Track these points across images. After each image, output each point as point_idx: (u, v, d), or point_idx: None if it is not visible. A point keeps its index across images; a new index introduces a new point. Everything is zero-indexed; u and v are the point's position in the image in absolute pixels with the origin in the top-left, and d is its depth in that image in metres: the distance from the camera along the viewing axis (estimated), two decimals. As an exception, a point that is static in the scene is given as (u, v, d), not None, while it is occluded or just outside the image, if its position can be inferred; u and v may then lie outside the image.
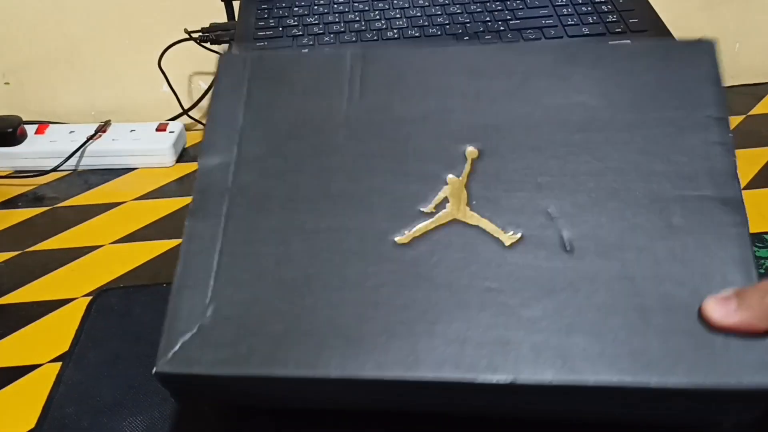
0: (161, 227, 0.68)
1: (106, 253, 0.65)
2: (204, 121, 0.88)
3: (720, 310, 0.34)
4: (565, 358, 0.32)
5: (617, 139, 0.39)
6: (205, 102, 0.88)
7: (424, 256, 0.37)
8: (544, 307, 0.35)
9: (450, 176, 0.40)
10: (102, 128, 0.81)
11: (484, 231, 0.38)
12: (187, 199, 0.72)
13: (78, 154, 0.77)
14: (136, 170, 0.78)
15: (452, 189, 0.39)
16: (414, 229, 0.38)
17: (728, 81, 0.89)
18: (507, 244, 0.37)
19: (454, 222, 0.38)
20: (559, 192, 0.39)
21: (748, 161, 0.73)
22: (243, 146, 0.42)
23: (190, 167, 0.78)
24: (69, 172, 0.78)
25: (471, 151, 0.40)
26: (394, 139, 0.41)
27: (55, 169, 0.76)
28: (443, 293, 0.36)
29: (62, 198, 0.74)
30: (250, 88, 0.44)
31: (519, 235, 0.37)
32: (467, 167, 0.40)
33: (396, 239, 0.38)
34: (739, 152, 0.74)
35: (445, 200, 0.39)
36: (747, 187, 0.69)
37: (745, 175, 0.71)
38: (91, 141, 0.79)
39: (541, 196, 0.39)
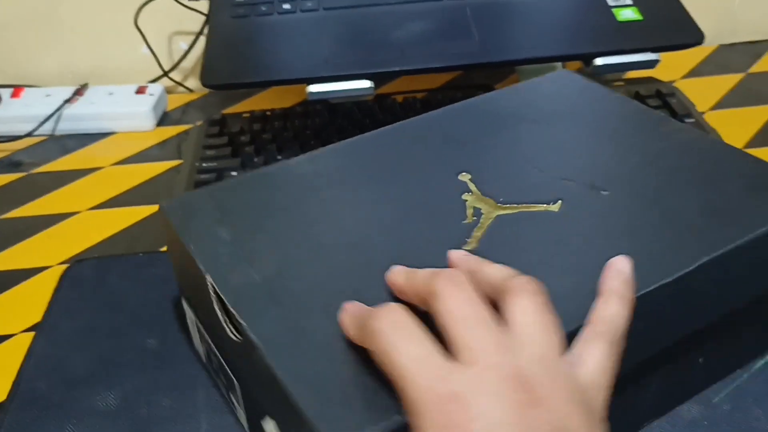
0: (141, 193, 0.66)
1: (82, 219, 0.63)
2: (186, 84, 0.86)
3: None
4: None
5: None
6: (186, 63, 0.85)
7: (501, 248, 0.37)
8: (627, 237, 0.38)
9: (464, 195, 0.42)
10: (79, 91, 0.78)
11: (530, 211, 0.40)
12: (169, 163, 0.71)
13: (54, 118, 0.75)
14: (114, 134, 0.76)
15: (475, 199, 0.42)
16: (473, 235, 0.39)
17: (728, 38, 0.87)
18: (556, 210, 0.40)
19: (499, 217, 0.40)
20: (559, 171, 0.44)
21: (748, 120, 0.71)
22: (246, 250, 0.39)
23: (171, 131, 0.76)
24: (45, 136, 0.75)
25: (463, 174, 0.44)
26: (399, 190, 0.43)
27: (30, 134, 0.74)
28: (539, 262, 0.36)
29: (38, 163, 0.71)
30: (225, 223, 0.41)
31: (559, 201, 0.41)
32: (471, 185, 0.43)
33: (464, 249, 0.38)
34: (738, 111, 0.72)
35: (477, 209, 0.41)
36: (747, 147, 0.66)
37: (745, 133, 0.68)
38: (67, 104, 0.76)
39: (547, 176, 0.43)
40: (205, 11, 0.78)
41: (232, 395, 0.42)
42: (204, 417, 0.43)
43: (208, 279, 0.37)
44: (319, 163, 0.46)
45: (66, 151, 0.73)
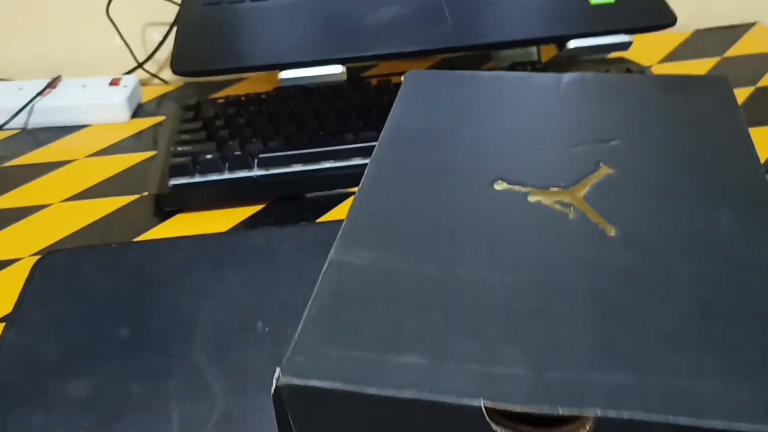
0: (115, 184, 0.66)
1: (55, 211, 0.62)
2: (161, 75, 0.85)
3: None
4: None
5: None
6: (160, 54, 0.85)
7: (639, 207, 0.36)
8: None
9: (530, 197, 0.38)
10: (52, 84, 0.77)
11: (594, 183, 0.38)
12: (144, 154, 0.70)
13: (27, 110, 0.74)
14: (88, 127, 0.75)
15: (539, 195, 0.38)
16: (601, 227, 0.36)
17: (704, 23, 0.87)
18: (610, 171, 0.38)
19: (581, 199, 0.37)
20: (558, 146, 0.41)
21: None
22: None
23: (145, 123, 0.75)
24: (18, 130, 0.75)
25: (499, 183, 0.39)
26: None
27: (2, 127, 0.73)
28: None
29: (10, 156, 0.70)
30: None
31: (600, 165, 0.39)
32: (519, 188, 0.39)
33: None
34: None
35: (560, 203, 0.38)
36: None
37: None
38: (40, 97, 0.75)
39: (556, 152, 0.40)
40: (179, 1, 0.77)
41: None
42: (175, 405, 0.43)
43: (482, 404, 0.28)
44: (366, 246, 0.36)
45: (39, 144, 0.72)
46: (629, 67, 0.71)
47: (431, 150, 0.42)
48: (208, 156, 0.62)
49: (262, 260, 0.54)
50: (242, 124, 0.66)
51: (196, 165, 0.62)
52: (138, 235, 0.59)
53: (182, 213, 0.61)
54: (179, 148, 0.64)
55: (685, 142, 0.41)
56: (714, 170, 0.38)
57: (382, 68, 0.82)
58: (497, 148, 0.42)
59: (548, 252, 0.34)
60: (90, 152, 0.71)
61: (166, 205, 0.60)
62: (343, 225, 0.37)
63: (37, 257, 0.56)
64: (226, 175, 0.62)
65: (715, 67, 0.78)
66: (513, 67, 0.72)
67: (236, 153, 0.62)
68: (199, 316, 0.49)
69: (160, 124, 0.74)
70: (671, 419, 0.26)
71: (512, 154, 0.41)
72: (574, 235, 0.35)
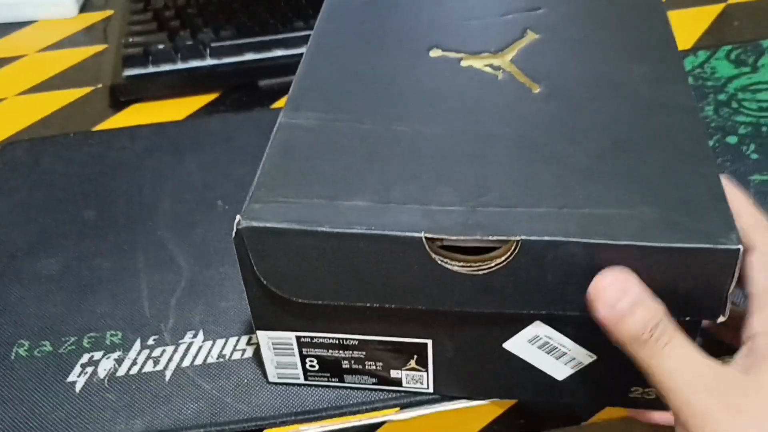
0: (69, 77, 0.66)
1: (11, 104, 0.63)
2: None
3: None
4: None
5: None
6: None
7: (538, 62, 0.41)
8: None
9: (463, 62, 0.41)
10: (-5, -21, 0.76)
11: (526, 45, 0.42)
12: (95, 48, 0.70)
13: (-29, 6, 0.73)
14: (36, 22, 0.74)
15: (473, 61, 0.41)
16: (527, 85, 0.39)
17: None
18: (537, 36, 0.42)
19: (512, 61, 0.41)
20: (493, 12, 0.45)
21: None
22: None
23: (94, 17, 0.75)
24: (-36, 27, 0.74)
25: (434, 50, 0.42)
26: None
27: (-53, 24, 0.72)
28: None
29: (-41, 54, 0.70)
30: None
31: (528, 31, 0.42)
32: (453, 54, 0.42)
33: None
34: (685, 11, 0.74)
35: (491, 66, 0.41)
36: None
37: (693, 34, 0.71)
38: (-16, -8, 0.74)
39: (494, 20, 0.44)
40: None
41: (396, 372, 0.38)
42: (144, 275, 0.46)
43: (423, 236, 0.31)
44: (311, 109, 0.39)
45: (-13, 40, 0.72)
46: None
47: (370, 21, 0.45)
48: (160, 46, 0.62)
49: (218, 145, 0.56)
50: (193, 14, 0.67)
51: (148, 56, 0.62)
52: (95, 125, 0.60)
53: (138, 103, 0.62)
54: (131, 39, 0.64)
55: (605, 10, 0.44)
56: (629, 30, 0.42)
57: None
58: (433, 17, 0.45)
59: (478, 107, 0.38)
60: (40, 47, 0.71)
61: (121, 96, 0.62)
62: (290, 91, 0.40)
63: (-2, 149, 0.57)
64: (180, 65, 0.63)
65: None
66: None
67: (188, 43, 0.63)
68: (161, 198, 0.52)
69: (109, 18, 0.74)
70: (586, 240, 0.29)
71: (446, 24, 0.44)
72: (503, 93, 0.38)
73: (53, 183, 0.54)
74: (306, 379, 0.39)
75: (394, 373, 0.38)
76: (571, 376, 0.36)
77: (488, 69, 0.40)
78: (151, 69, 0.62)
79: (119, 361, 0.41)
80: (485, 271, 0.31)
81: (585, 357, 0.35)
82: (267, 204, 0.33)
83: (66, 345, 0.42)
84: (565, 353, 0.35)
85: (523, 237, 0.30)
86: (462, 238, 0.30)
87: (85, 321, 0.43)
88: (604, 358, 0.34)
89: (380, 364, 0.37)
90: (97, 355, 0.41)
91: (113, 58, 0.64)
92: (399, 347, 0.36)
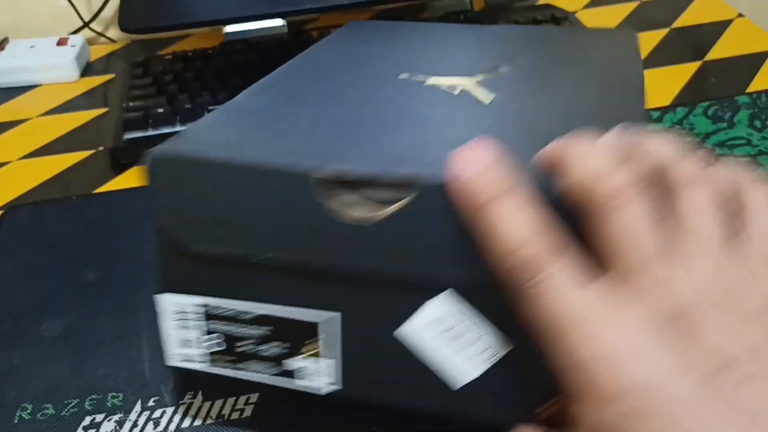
0: (70, 140, 0.68)
1: (14, 168, 0.65)
2: (107, 34, 0.87)
3: None
4: None
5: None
6: (106, 13, 0.86)
7: (524, 99, 0.39)
8: None
9: (429, 81, 0.42)
10: (0, 46, 0.78)
11: (489, 79, 0.42)
12: (96, 111, 0.73)
13: (-24, 73, 0.76)
14: (39, 87, 0.77)
15: (439, 82, 0.42)
16: (481, 100, 0.39)
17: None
18: (507, 71, 0.43)
19: (479, 82, 0.41)
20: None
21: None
22: None
23: (95, 81, 0.77)
24: (-31, 92, 0.76)
25: (403, 74, 0.43)
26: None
27: (-47, 90, 0.74)
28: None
29: (-36, 118, 0.72)
30: None
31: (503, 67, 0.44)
32: (422, 77, 0.43)
33: (487, 103, 0.39)
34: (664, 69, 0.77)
35: (450, 86, 0.41)
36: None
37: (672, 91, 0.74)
38: (-12, 59, 0.77)
39: (471, 56, 0.46)
40: (121, -40, 0.79)
41: (300, 359, 0.35)
42: (145, 335, 0.47)
43: (327, 172, 0.31)
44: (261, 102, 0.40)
45: (-9, 105, 0.74)
46: (554, 13, 0.75)
47: (329, 74, 0.45)
48: (160, 110, 0.65)
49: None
50: (191, 78, 0.69)
51: (148, 119, 0.65)
52: (96, 187, 0.62)
53: (138, 165, 0.64)
54: (131, 104, 0.66)
55: (575, 83, 0.44)
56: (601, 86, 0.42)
57: (323, 21, 0.85)
58: (386, 80, 0.44)
59: (417, 115, 0.38)
60: (42, 111, 0.73)
61: (122, 158, 0.64)
62: (261, 80, 0.42)
63: (1, 211, 0.59)
64: (179, 128, 0.65)
65: (633, 11, 0.83)
66: (446, 16, 0.76)
67: (187, 106, 0.65)
68: (161, 259, 0.53)
69: (109, 81, 0.77)
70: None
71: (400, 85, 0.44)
72: (450, 103, 0.39)
73: (56, 245, 0.55)
74: (211, 363, 0.36)
75: (298, 362, 0.34)
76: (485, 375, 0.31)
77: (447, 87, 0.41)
78: (151, 132, 0.65)
79: (120, 423, 0.42)
80: (379, 218, 0.30)
81: (501, 345, 0.30)
82: (178, 141, 0.33)
83: (68, 408, 0.43)
84: (478, 339, 0.30)
85: (428, 178, 0.28)
86: (358, 177, 0.30)
87: (87, 383, 0.45)
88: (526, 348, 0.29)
89: (287, 345, 0.34)
90: (99, 417, 0.42)
91: (114, 121, 0.67)
92: (307, 326, 0.33)
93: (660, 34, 0.78)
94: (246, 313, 0.34)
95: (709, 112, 0.63)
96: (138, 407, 0.43)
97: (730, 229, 0.24)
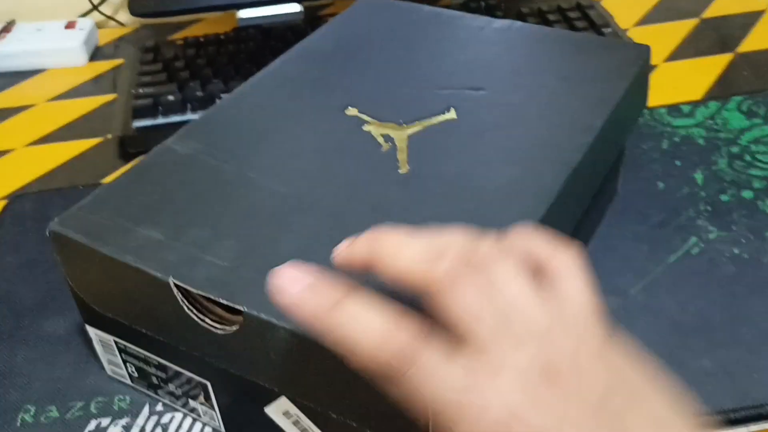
0: (77, 127, 0.66)
1: (19, 156, 0.63)
2: (117, 18, 0.84)
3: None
4: None
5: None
6: (115, -4, 0.84)
7: (432, 165, 0.39)
8: None
9: (365, 126, 0.42)
10: (6, 28, 0.76)
11: (433, 125, 0.42)
12: (104, 98, 0.70)
13: (-19, 56, 0.73)
14: (45, 71, 0.75)
15: (377, 127, 0.42)
16: (399, 160, 0.39)
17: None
18: (454, 117, 0.42)
19: (411, 137, 0.41)
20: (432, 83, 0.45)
21: (670, 34, 0.73)
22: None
23: (104, 66, 0.75)
24: (-27, 76, 0.74)
25: (349, 109, 0.43)
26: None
27: (-43, 74, 0.72)
28: (478, 164, 0.40)
29: (-32, 103, 0.70)
30: None
31: (451, 109, 0.42)
32: (364, 116, 0.42)
33: (400, 171, 0.38)
34: (660, 26, 0.75)
35: (385, 136, 0.41)
36: (669, 59, 0.69)
37: (666, 47, 0.71)
38: (-6, 42, 0.74)
39: (424, 90, 0.45)
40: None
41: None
42: (153, 336, 0.45)
43: (171, 282, 0.33)
44: (196, 139, 0.42)
45: (-4, 89, 0.72)
46: (580, 1, 0.73)
47: (316, 69, 0.47)
48: (170, 97, 0.62)
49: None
50: (202, 65, 0.67)
51: (158, 106, 0.62)
52: (104, 177, 0.60)
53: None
54: (141, 90, 0.64)
55: (548, 101, 0.43)
56: (545, 137, 0.40)
57: (339, 6, 0.82)
58: (375, 77, 0.46)
59: (342, 172, 0.38)
60: (49, 97, 0.71)
61: (130, 147, 0.61)
62: (197, 118, 0.43)
63: (5, 201, 0.57)
64: (189, 116, 0.62)
65: (662, 0, 0.80)
66: (466, 4, 0.73)
67: (198, 93, 0.63)
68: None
69: (118, 67, 0.74)
70: (295, 329, 0.30)
71: (381, 86, 0.45)
72: (371, 164, 0.39)
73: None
74: (132, 381, 0.42)
75: (192, 403, 0.39)
76: None
77: (381, 138, 0.41)
78: (160, 120, 0.62)
79: (127, 428, 0.40)
80: (221, 332, 0.32)
81: None
82: (81, 216, 0.37)
83: (73, 410, 0.41)
84: None
85: (245, 308, 0.31)
86: (195, 291, 0.32)
87: (92, 384, 0.42)
88: None
89: (181, 390, 0.39)
90: (105, 421, 0.40)
91: (123, 108, 0.64)
92: (189, 380, 0.38)
93: (689, 24, 0.75)
94: (145, 357, 0.39)
95: (743, 107, 0.61)
96: (146, 411, 0.41)
97: (541, 291, 0.26)
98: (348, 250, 0.28)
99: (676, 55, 0.70)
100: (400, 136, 0.41)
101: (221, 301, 0.31)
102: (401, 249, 0.27)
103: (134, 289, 0.35)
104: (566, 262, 0.28)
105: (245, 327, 0.31)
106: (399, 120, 0.42)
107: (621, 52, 0.47)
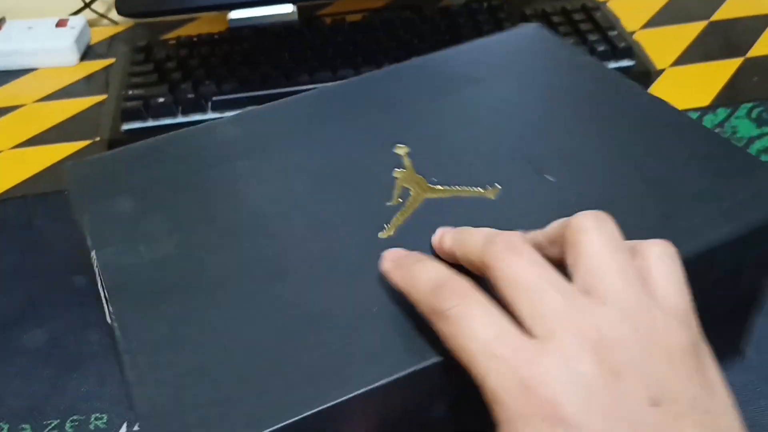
0: (66, 129, 0.64)
1: (5, 158, 0.61)
2: (110, 16, 0.82)
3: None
4: None
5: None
6: (108, -7, 0.82)
7: (419, 241, 0.33)
8: None
9: (396, 171, 0.37)
10: (-5, 26, 0.74)
11: (462, 197, 0.35)
12: (95, 98, 0.69)
13: (-30, 55, 0.72)
14: (35, 71, 0.73)
15: (406, 176, 0.37)
16: (392, 221, 0.34)
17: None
18: (493, 197, 0.35)
19: (427, 201, 0.35)
20: (505, 147, 0.39)
21: (677, 37, 0.71)
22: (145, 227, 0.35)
23: (95, 65, 0.73)
24: (-38, 75, 0.72)
25: (400, 147, 0.39)
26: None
27: (-55, 72, 0.70)
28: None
29: (-45, 103, 0.68)
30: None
31: (497, 186, 0.36)
32: (406, 160, 0.38)
33: (380, 235, 0.34)
34: (667, 29, 0.72)
35: (405, 189, 0.36)
36: (674, 64, 0.67)
37: (673, 51, 0.69)
38: (-17, 40, 0.73)
39: (491, 153, 0.38)
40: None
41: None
42: (135, 350, 0.43)
43: (93, 256, 0.34)
44: (241, 127, 0.41)
45: (-16, 89, 0.70)
46: (585, 3, 0.70)
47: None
48: (161, 99, 0.61)
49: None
50: (195, 66, 0.65)
51: (148, 109, 0.60)
52: (91, 181, 0.58)
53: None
54: (130, 92, 0.62)
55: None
56: None
57: (337, 6, 0.80)
58: (466, 116, 0.41)
59: (322, 211, 0.35)
60: (38, 97, 0.69)
61: (119, 151, 0.59)
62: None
63: (-12, 206, 0.55)
64: (180, 119, 0.61)
65: (669, 2, 0.77)
66: (468, 4, 0.71)
67: (189, 96, 0.61)
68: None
69: (110, 66, 0.72)
70: None
71: (465, 130, 0.40)
72: (359, 216, 0.34)
73: (44, 245, 0.51)
74: None
75: None
76: None
77: (399, 190, 0.36)
78: (150, 123, 0.61)
79: (104, 450, 0.38)
80: None
81: None
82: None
83: (48, 429, 0.39)
84: None
85: None
86: None
87: (69, 401, 0.41)
88: None
89: None
90: (81, 441, 0.39)
91: (112, 110, 0.63)
92: None
93: (697, 27, 0.72)
94: None
95: (753, 114, 0.59)
96: (123, 430, 0.39)
97: (635, 273, 0.26)
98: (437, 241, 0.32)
99: (682, 59, 0.68)
100: (418, 196, 0.36)
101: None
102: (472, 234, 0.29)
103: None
104: (661, 254, 0.26)
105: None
106: (432, 177, 0.37)
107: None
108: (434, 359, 0.28)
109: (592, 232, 0.26)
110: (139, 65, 0.66)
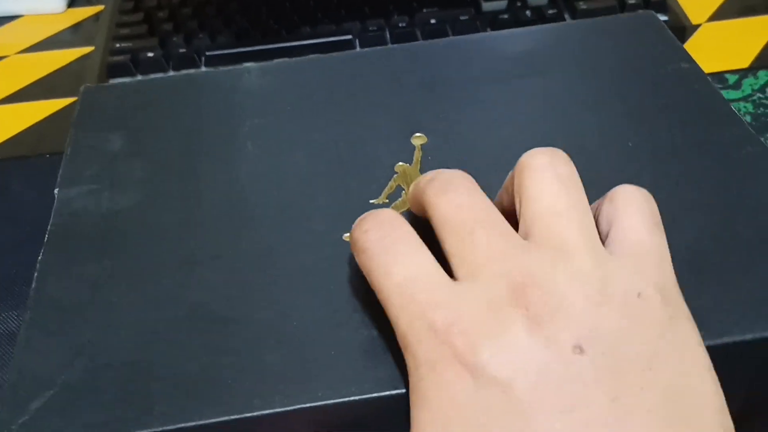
0: (49, 84, 0.60)
1: (-17, 117, 0.57)
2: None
3: None
4: None
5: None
6: (98, -67, 0.76)
7: None
8: None
9: (399, 164, 0.32)
10: (-24, -32, 0.69)
11: None
12: (82, 50, 0.64)
13: (-51, 0, 0.67)
14: (20, 18, 0.68)
15: (405, 174, 0.32)
16: None
17: None
18: None
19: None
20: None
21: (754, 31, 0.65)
22: (120, 172, 0.33)
23: (84, 12, 0.68)
24: (-59, 21, 0.67)
25: (417, 136, 0.34)
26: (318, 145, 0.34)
27: None
28: None
29: (-67, 52, 0.64)
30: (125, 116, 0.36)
31: None
32: (417, 153, 0.33)
33: (344, 237, 0.29)
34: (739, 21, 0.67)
35: (399, 188, 0.32)
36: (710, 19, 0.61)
37: (751, 50, 0.63)
38: (-37, -16, 0.67)
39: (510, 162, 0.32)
40: None
41: None
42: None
43: (56, 193, 0.32)
44: (265, 81, 0.37)
45: (-36, 37, 0.66)
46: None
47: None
48: (150, 54, 0.56)
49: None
50: (188, 16, 0.60)
51: (136, 64, 0.56)
52: (75, 143, 0.53)
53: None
54: (117, 45, 0.58)
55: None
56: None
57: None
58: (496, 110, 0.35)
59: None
60: (23, 47, 0.64)
61: (104, 110, 0.55)
62: None
63: (-37, 170, 0.51)
64: (171, 73, 0.56)
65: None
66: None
67: (181, 50, 0.56)
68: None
69: (100, 14, 0.67)
70: None
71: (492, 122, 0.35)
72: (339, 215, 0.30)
73: (20, 215, 0.47)
74: None
75: None
76: None
77: (391, 188, 0.32)
78: (139, 78, 0.56)
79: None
80: None
81: None
82: None
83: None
84: None
85: None
86: None
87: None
88: None
89: None
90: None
91: (98, 64, 0.58)
92: None
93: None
94: None
95: (799, 78, 0.53)
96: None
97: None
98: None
99: (720, 13, 0.62)
100: (405, 203, 0.31)
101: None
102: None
103: None
104: (630, 195, 0.24)
105: None
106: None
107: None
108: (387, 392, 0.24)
109: (542, 170, 0.24)
110: (128, 15, 0.61)
